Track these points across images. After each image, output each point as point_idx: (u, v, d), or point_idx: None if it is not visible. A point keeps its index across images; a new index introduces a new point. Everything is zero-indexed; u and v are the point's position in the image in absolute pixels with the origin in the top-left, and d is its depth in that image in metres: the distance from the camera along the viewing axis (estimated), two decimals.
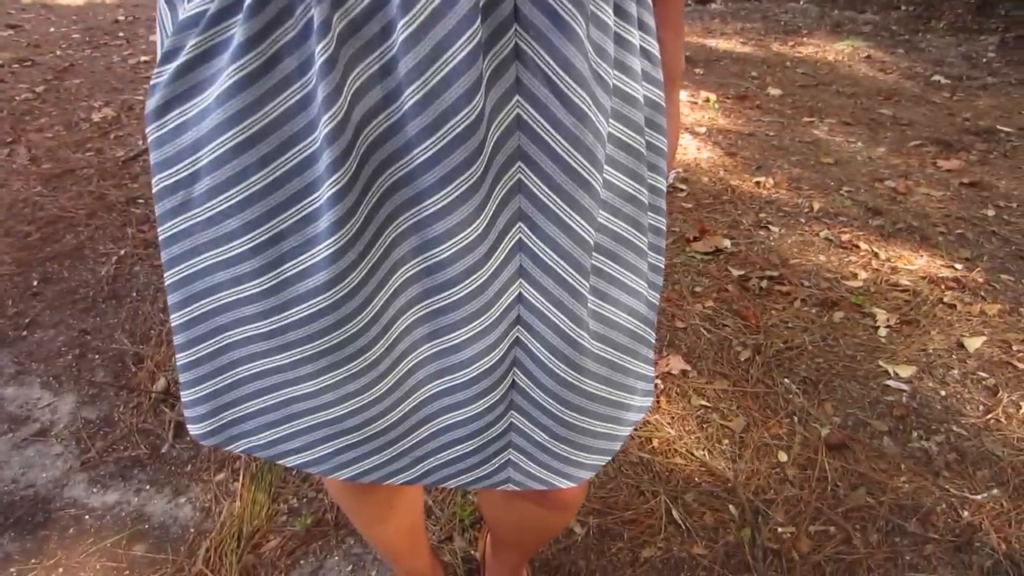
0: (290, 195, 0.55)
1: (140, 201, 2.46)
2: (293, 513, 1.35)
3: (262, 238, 0.57)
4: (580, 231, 0.60)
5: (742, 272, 2.08)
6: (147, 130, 0.57)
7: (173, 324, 0.65)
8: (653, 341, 0.75)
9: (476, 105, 0.52)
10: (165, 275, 0.63)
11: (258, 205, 0.56)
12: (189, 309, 0.63)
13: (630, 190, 0.65)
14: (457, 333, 0.63)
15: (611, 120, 0.62)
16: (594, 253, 0.64)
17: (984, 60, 4.47)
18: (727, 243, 2.22)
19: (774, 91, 3.84)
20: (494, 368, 0.65)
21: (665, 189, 0.73)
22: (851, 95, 3.83)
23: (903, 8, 5.69)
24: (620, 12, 0.60)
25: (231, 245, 0.58)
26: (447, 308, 0.62)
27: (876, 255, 2.20)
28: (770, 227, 2.35)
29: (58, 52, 4.20)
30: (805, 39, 4.99)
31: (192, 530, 1.33)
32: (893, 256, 2.19)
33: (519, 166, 0.58)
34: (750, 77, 4.11)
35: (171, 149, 0.57)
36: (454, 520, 1.33)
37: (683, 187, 2.64)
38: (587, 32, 0.55)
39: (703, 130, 3.22)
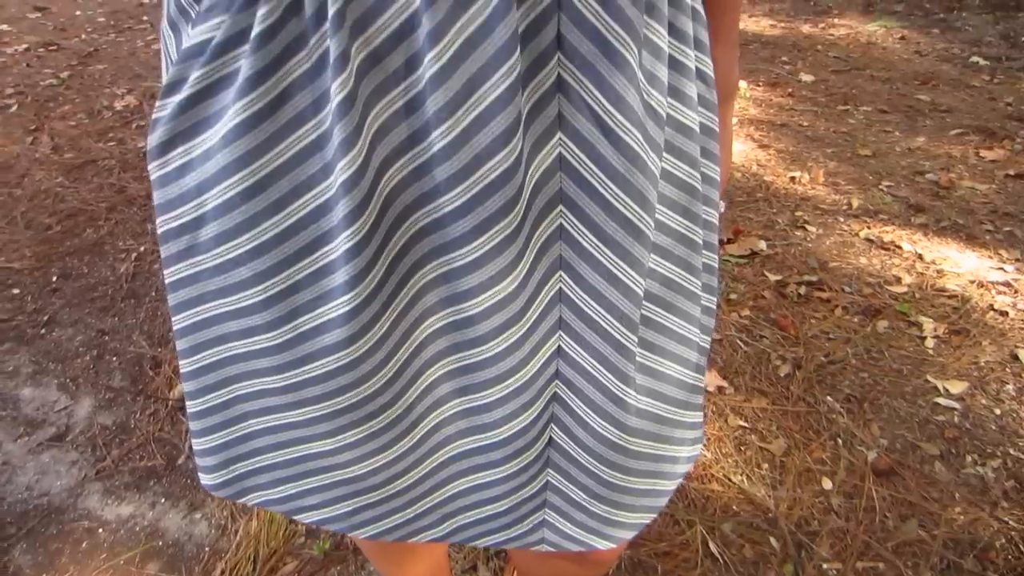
0: (304, 244, 0.49)
1: None
2: (311, 535, 1.30)
3: (275, 289, 0.51)
4: (629, 282, 0.53)
5: (779, 277, 1.99)
6: (149, 167, 0.51)
7: (182, 371, 0.59)
8: (704, 387, 0.68)
9: (514, 148, 0.45)
10: (172, 319, 0.57)
11: (271, 254, 0.49)
12: (198, 357, 0.58)
13: (684, 230, 0.58)
14: (489, 392, 0.57)
15: (664, 154, 0.55)
16: (643, 302, 0.57)
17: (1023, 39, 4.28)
18: (763, 245, 2.13)
19: (806, 77, 3.71)
20: (530, 427, 0.59)
21: (717, 221, 0.66)
22: (886, 80, 3.68)
23: None
24: (674, 31, 0.53)
25: (241, 295, 0.52)
26: (478, 365, 0.55)
27: (920, 257, 2.09)
28: (807, 227, 2.25)
29: (83, 36, 4.16)
30: (836, 20, 4.81)
31: (207, 549, 1.29)
32: (938, 258, 2.09)
33: (560, 210, 0.51)
34: (781, 62, 3.97)
35: (175, 190, 0.51)
36: (477, 549, 1.27)
37: None
38: (639, 60, 0.48)
39: (735, 121, 3.11)
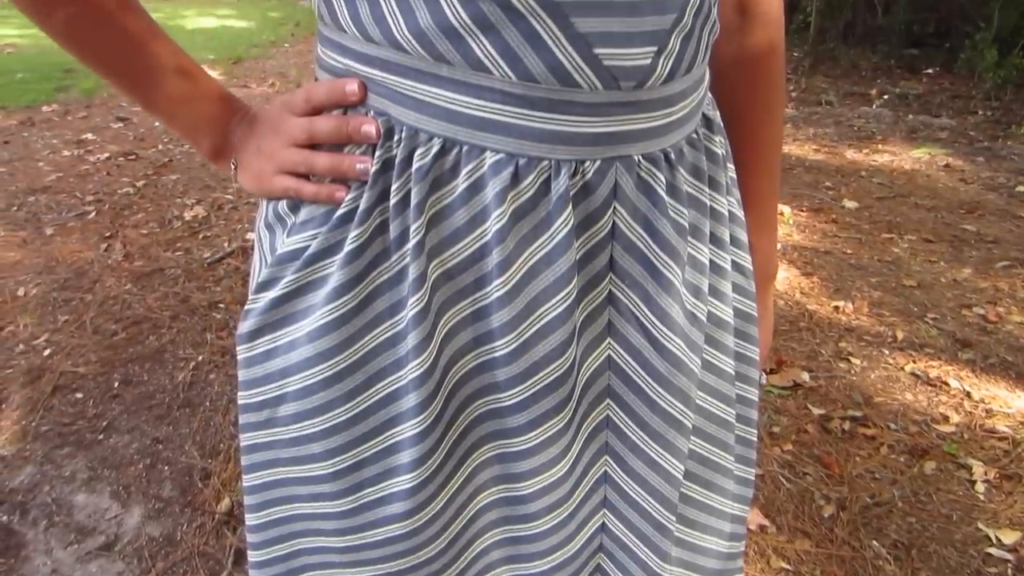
0: (373, 427, 0.54)
1: (221, 306, 2.54)
2: None
3: (343, 464, 0.56)
4: (669, 468, 0.57)
5: (823, 411, 1.99)
6: (237, 348, 0.58)
7: (248, 523, 0.64)
8: (743, 548, 0.70)
9: (569, 356, 0.51)
10: (244, 477, 0.62)
11: (342, 434, 0.55)
12: (265, 513, 0.63)
13: (720, 413, 0.62)
14: (536, 563, 0.60)
15: (704, 346, 0.60)
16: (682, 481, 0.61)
17: None
18: (806, 376, 2.14)
19: (850, 203, 3.75)
20: None
21: (756, 397, 0.70)
22: (931, 208, 3.70)
23: (980, 113, 5.53)
24: (714, 240, 0.59)
25: (312, 466, 0.57)
26: (527, 539, 0.59)
27: (968, 395, 2.07)
28: (851, 359, 2.25)
29: (159, 147, 4.45)
30: (880, 146, 4.88)
31: None
32: (987, 396, 2.06)
33: (608, 403, 0.56)
34: (824, 188, 4.03)
35: (259, 371, 0.57)
36: None
37: None
38: (683, 278, 0.54)
39: (779, 247, 3.15)
